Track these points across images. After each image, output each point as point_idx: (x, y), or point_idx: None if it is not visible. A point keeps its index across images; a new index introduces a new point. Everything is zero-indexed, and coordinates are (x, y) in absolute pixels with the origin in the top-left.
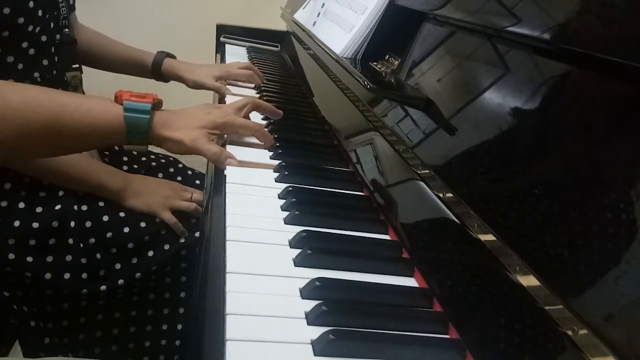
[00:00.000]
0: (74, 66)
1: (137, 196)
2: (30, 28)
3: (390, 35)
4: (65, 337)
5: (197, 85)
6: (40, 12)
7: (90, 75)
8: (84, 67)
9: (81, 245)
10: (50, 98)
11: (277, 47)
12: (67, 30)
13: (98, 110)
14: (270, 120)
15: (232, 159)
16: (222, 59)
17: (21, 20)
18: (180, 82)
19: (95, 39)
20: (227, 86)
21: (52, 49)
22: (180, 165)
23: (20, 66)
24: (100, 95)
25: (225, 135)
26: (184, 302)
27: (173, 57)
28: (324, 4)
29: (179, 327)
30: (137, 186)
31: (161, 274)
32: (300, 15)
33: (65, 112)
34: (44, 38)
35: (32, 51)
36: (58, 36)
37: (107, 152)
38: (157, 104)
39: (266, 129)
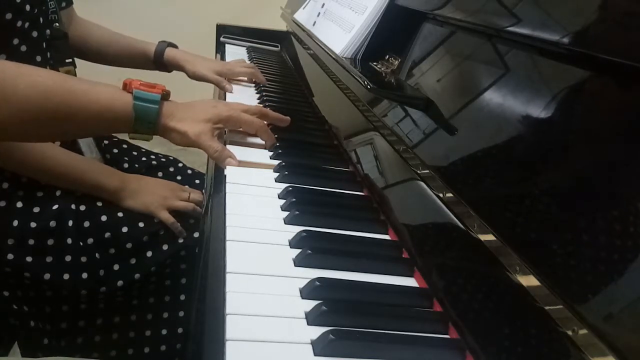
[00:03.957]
0: (67, 61)
1: (135, 196)
2: (20, 24)
3: (390, 35)
4: (63, 339)
5: (197, 77)
6: (28, 7)
7: (85, 71)
8: (79, 62)
9: (80, 244)
10: (58, 84)
11: (277, 47)
12: (57, 24)
13: (106, 98)
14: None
15: (232, 159)
16: (222, 59)
17: (9, 15)
18: (182, 72)
19: (97, 31)
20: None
21: (44, 44)
22: (180, 165)
23: None
24: None
25: (225, 135)
26: (183, 305)
27: (175, 46)
28: (324, 4)
29: (179, 330)
30: (135, 186)
31: (161, 276)
32: (300, 15)
33: (73, 99)
34: (34, 34)
35: (23, 48)
36: (48, 31)
37: (108, 155)
38: (165, 95)
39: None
